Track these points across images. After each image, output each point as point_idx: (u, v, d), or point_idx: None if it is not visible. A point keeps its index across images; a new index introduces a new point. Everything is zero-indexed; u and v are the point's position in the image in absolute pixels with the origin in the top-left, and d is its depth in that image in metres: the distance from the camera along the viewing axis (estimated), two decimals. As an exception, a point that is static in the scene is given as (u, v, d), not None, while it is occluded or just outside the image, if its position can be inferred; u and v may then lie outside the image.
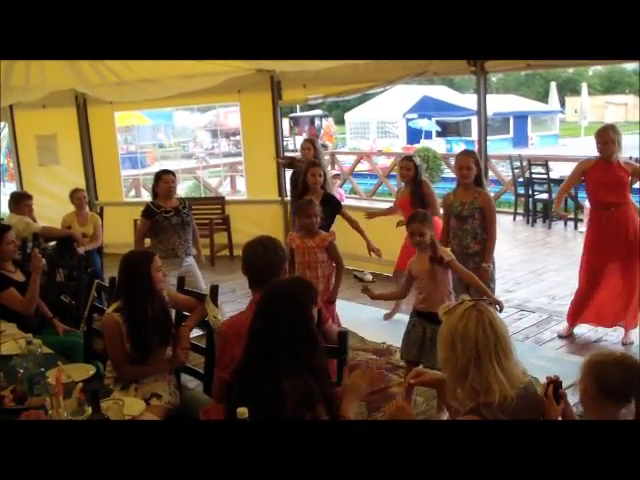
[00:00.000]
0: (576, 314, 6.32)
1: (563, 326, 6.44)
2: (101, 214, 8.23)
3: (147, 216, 6.24)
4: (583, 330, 6.33)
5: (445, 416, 4.25)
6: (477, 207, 5.43)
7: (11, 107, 10.61)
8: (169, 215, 6.21)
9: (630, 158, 6.61)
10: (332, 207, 6.23)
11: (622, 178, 5.85)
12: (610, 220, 5.96)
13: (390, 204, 7.69)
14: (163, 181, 6.28)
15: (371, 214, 7.11)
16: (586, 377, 2.41)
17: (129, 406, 3.13)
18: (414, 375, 2.85)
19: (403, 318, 6.20)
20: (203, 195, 14.35)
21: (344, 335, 3.22)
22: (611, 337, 6.16)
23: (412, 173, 6.51)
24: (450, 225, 5.63)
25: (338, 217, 6.41)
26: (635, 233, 5.93)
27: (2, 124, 11.15)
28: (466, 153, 5.65)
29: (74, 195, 7.70)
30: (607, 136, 5.80)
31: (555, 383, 2.53)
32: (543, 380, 2.60)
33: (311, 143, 7.92)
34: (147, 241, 6.40)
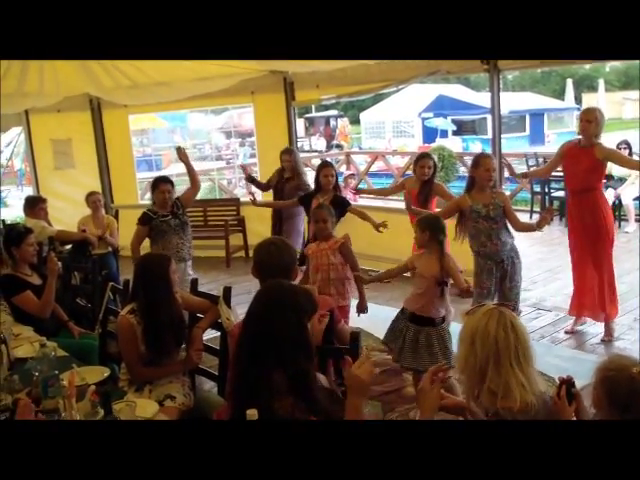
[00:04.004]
0: (571, 307, 6.40)
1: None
2: (116, 217, 8.27)
3: (143, 223, 6.20)
4: (599, 329, 6.30)
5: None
6: (501, 206, 5.40)
7: (26, 112, 10.69)
8: (167, 219, 6.18)
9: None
10: (341, 207, 6.25)
11: (595, 163, 5.82)
12: (578, 207, 6.00)
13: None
14: (159, 191, 6.23)
15: (359, 191, 7.12)
16: (599, 387, 2.39)
17: (142, 408, 3.14)
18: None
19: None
20: (218, 197, 14.39)
21: (356, 335, 3.20)
22: (628, 335, 6.16)
23: (431, 171, 6.51)
24: (469, 227, 5.57)
25: (348, 217, 6.43)
26: (603, 220, 5.93)
27: (18, 129, 11.24)
28: (489, 155, 5.61)
29: (89, 198, 7.74)
30: (592, 115, 5.81)
31: (568, 383, 2.51)
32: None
33: (289, 154, 7.99)
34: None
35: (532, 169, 10.63)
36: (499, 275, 5.48)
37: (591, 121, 5.77)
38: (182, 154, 6.49)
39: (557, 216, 12.23)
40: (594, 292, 6.14)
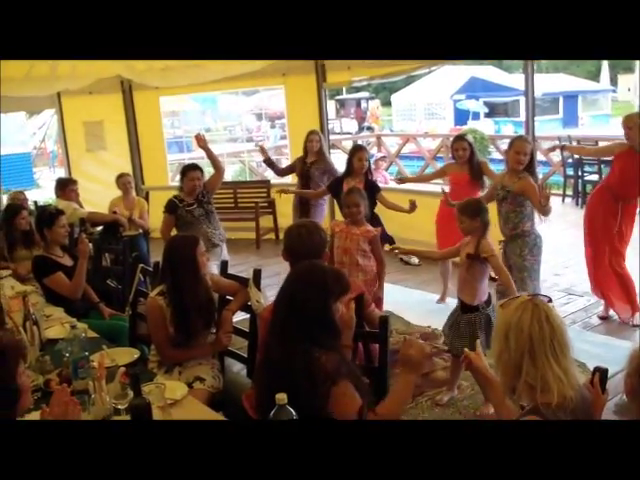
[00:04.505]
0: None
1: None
2: (147, 198, 8.30)
3: (170, 211, 6.23)
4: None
5: (492, 410, 4.19)
6: (511, 191, 5.31)
7: (58, 94, 10.76)
8: (192, 208, 6.18)
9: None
10: (373, 191, 6.20)
11: None
12: (613, 212, 5.93)
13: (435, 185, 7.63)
14: (188, 178, 6.22)
15: (403, 179, 7.05)
16: (634, 374, 2.33)
17: (171, 390, 3.15)
18: (471, 356, 2.72)
19: (453, 303, 6.15)
20: (249, 179, 14.40)
21: (385, 320, 3.18)
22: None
23: (468, 153, 6.43)
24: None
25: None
26: (629, 230, 5.97)
27: (51, 111, 11.33)
28: (524, 139, 5.49)
29: (120, 180, 7.78)
30: (631, 121, 5.69)
31: (602, 372, 2.47)
32: (591, 365, 2.53)
33: (318, 135, 7.89)
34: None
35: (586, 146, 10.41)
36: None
37: (631, 127, 5.66)
38: (200, 140, 6.46)
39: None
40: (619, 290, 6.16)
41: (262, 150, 8.81)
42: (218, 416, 3.20)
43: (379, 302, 5.31)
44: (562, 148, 7.62)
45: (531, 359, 2.25)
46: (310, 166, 7.72)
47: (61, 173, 11.50)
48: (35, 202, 8.55)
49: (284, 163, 15.82)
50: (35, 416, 2.49)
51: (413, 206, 5.98)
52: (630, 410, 2.39)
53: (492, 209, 5.04)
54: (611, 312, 6.31)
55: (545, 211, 5.15)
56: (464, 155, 6.42)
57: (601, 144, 11.96)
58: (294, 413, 2.23)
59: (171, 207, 6.21)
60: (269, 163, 8.48)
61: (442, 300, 7.03)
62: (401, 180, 6.96)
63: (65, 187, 7.44)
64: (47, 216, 5.19)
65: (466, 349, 2.76)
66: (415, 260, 8.39)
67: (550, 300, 2.41)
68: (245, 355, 4.20)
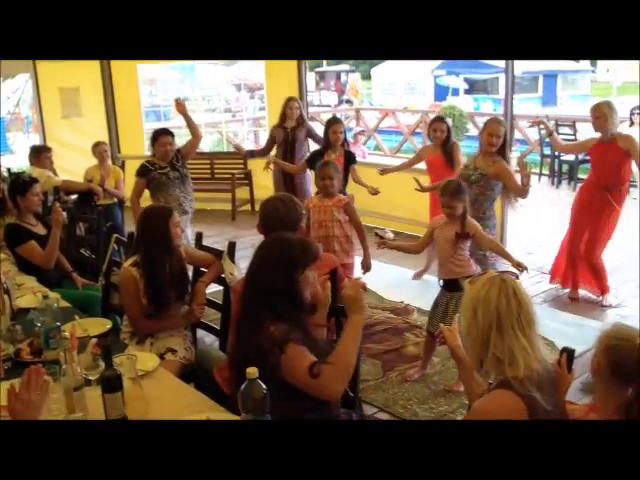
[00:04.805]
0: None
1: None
2: (123, 167, 8.23)
3: (142, 175, 6.14)
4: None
5: (462, 388, 4.26)
6: (485, 174, 5.31)
7: (33, 59, 10.58)
8: (165, 171, 6.11)
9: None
10: (348, 161, 6.32)
11: (621, 156, 5.79)
12: (598, 199, 6.01)
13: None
14: (160, 144, 6.13)
15: (385, 170, 7.07)
16: (601, 355, 2.39)
17: (142, 361, 3.15)
18: (447, 330, 2.76)
19: (431, 279, 6.19)
20: (226, 149, 14.32)
21: (359, 295, 3.19)
22: (631, 302, 6.16)
23: (445, 135, 6.43)
24: None
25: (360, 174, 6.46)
26: (612, 219, 6.04)
27: (26, 76, 11.14)
28: (498, 121, 5.48)
29: (96, 148, 7.70)
30: (599, 110, 5.77)
31: (569, 352, 2.52)
32: (560, 343, 2.57)
33: (296, 101, 7.78)
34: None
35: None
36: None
37: (599, 117, 5.76)
38: (180, 105, 6.38)
39: (565, 180, 12.18)
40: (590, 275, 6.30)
41: (238, 148, 8.68)
42: (189, 387, 3.22)
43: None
44: (541, 124, 7.59)
45: (498, 332, 2.30)
46: (293, 131, 7.60)
47: (36, 139, 11.34)
48: (8, 169, 8.43)
49: (262, 135, 15.79)
50: (5, 385, 2.47)
51: (373, 191, 6.24)
52: (596, 388, 2.45)
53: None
54: (582, 292, 6.39)
55: (524, 192, 5.17)
56: (441, 137, 6.42)
57: (578, 124, 12.07)
58: (265, 387, 2.24)
59: (143, 171, 6.14)
60: (251, 154, 8.42)
61: (418, 276, 7.08)
62: (383, 171, 6.97)
63: (39, 154, 7.35)
64: (20, 184, 5.14)
65: (442, 324, 2.81)
66: (390, 235, 8.38)
67: (517, 277, 2.46)
68: (218, 327, 4.21)
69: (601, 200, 5.95)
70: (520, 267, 4.38)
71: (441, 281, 4.80)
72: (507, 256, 4.65)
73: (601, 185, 5.98)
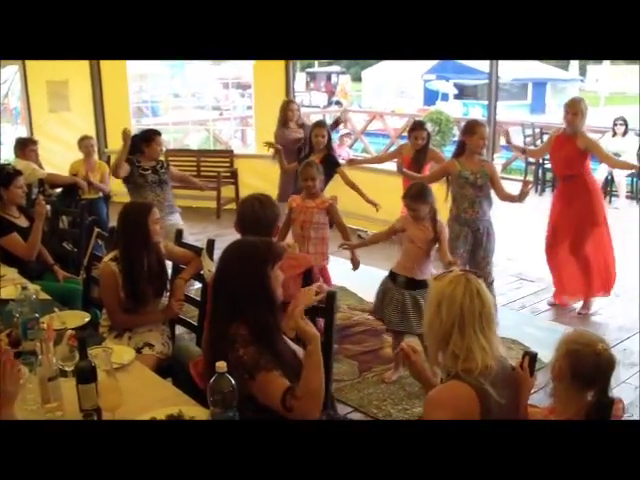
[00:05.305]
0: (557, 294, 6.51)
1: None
2: (109, 162, 8.25)
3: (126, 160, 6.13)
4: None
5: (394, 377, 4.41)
6: (488, 175, 5.45)
7: (23, 50, 10.54)
8: (146, 173, 6.18)
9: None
10: (331, 166, 6.30)
11: (577, 152, 5.90)
12: (566, 191, 6.11)
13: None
14: (156, 143, 6.22)
15: (352, 161, 7.14)
16: (562, 359, 2.46)
17: (118, 354, 3.20)
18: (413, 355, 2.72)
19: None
20: (213, 147, 14.33)
21: (332, 295, 3.25)
22: (607, 311, 6.24)
23: (425, 142, 6.51)
24: (454, 191, 5.62)
25: (337, 177, 6.49)
26: (589, 206, 6.01)
27: (15, 67, 11.10)
28: (484, 124, 5.58)
29: (82, 142, 7.72)
30: (578, 107, 5.86)
31: (531, 356, 2.58)
32: (534, 348, 2.65)
33: (297, 105, 7.85)
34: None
35: (530, 148, 10.55)
36: (472, 243, 5.53)
37: (577, 114, 5.84)
38: (125, 135, 6.03)
39: (549, 187, 12.26)
40: (577, 276, 6.25)
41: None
42: (165, 382, 3.25)
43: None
44: (522, 152, 7.73)
45: (460, 330, 2.38)
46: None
47: (23, 131, 11.29)
48: (-7, 160, 8.44)
49: (249, 134, 15.81)
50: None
51: (374, 204, 6.28)
52: (557, 392, 2.52)
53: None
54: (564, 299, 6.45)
55: (523, 196, 5.34)
56: (421, 144, 6.49)
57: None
58: (233, 381, 2.29)
59: (128, 159, 6.15)
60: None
61: None
62: (351, 162, 7.04)
63: (25, 147, 7.35)
64: (4, 176, 5.15)
65: (403, 343, 2.83)
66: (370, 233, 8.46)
67: (480, 277, 2.52)
68: (195, 323, 4.25)
69: (570, 190, 6.04)
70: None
71: (400, 277, 4.84)
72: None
73: (562, 176, 6.23)
